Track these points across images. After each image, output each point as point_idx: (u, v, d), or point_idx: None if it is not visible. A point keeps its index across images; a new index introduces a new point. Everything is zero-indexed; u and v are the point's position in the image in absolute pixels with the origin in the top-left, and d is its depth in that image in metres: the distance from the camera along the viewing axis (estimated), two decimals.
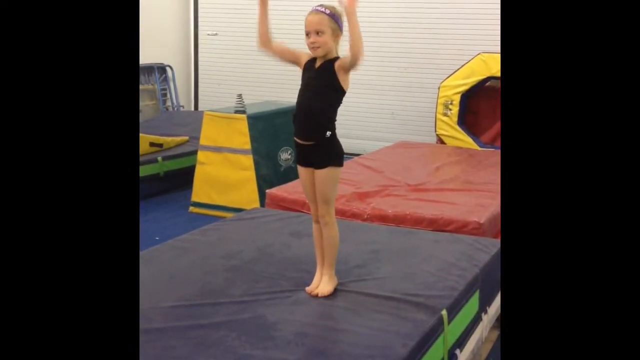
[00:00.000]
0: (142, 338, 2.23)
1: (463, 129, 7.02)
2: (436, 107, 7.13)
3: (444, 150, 6.70)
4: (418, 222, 4.14)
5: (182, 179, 6.44)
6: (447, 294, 2.90)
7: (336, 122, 2.87)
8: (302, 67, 2.92)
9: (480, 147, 6.83)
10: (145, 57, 8.34)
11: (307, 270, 3.07)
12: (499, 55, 5.91)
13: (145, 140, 6.42)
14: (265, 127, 5.83)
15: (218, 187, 5.76)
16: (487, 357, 3.42)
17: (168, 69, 9.09)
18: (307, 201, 3.08)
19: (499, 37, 1.82)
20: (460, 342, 2.95)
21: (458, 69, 7.06)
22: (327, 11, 2.79)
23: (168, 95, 9.12)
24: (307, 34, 2.80)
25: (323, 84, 2.81)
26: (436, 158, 6.22)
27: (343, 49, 2.82)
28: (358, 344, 2.45)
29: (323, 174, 2.85)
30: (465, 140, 6.94)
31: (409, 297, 2.84)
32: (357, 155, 6.52)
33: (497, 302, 3.52)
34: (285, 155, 5.94)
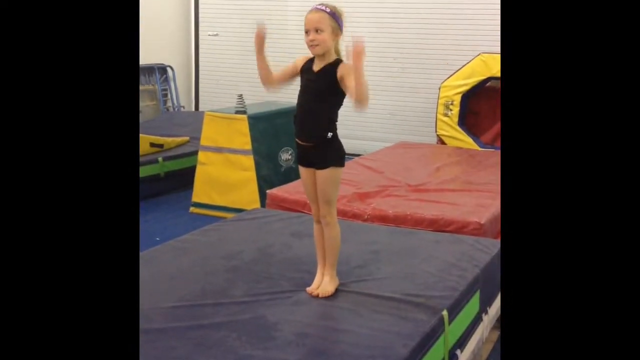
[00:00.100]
0: (142, 338, 2.23)
1: (463, 129, 7.02)
2: (437, 108, 7.12)
3: (445, 150, 6.69)
4: (418, 223, 4.13)
5: (183, 179, 6.44)
6: (448, 295, 2.90)
7: (337, 123, 2.86)
8: (300, 70, 2.91)
9: (481, 147, 6.83)
10: (146, 57, 8.34)
11: (308, 271, 3.07)
12: (500, 55, 5.90)
13: (145, 140, 6.42)
14: (266, 128, 5.83)
15: (219, 187, 5.76)
16: (488, 358, 3.42)
17: (169, 69, 9.09)
18: (308, 201, 3.08)
19: (499, 38, 1.82)
20: (461, 343, 2.95)
21: (458, 70, 7.06)
22: (328, 9, 2.78)
23: (169, 96, 9.12)
24: (307, 32, 2.79)
25: (323, 87, 2.80)
26: (436, 158, 6.22)
27: (343, 48, 2.82)
28: (359, 345, 2.45)
29: (324, 175, 2.84)
30: (466, 141, 6.94)
31: (409, 298, 2.83)
32: (358, 155, 6.52)
33: (497, 302, 3.52)
34: (286, 156, 5.94)
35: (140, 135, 6.04)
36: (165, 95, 9.08)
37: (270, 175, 5.76)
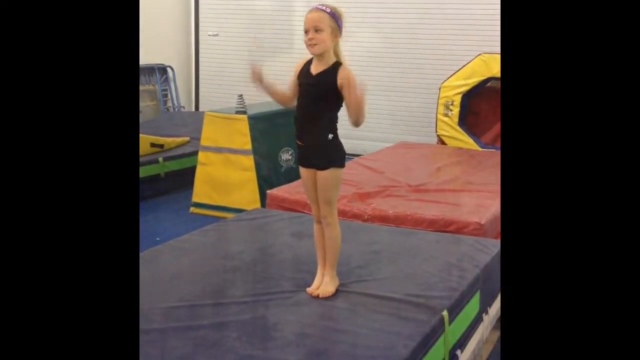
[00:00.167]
0: (142, 338, 2.23)
1: (464, 129, 7.02)
2: (437, 108, 7.12)
3: (445, 150, 6.69)
4: (419, 223, 4.13)
5: (183, 179, 6.45)
6: (448, 295, 2.90)
7: (337, 124, 2.86)
8: (298, 75, 2.89)
9: (481, 147, 6.83)
10: (146, 57, 8.35)
11: (308, 271, 3.07)
12: (500, 55, 5.91)
13: (146, 140, 6.42)
14: (266, 128, 5.83)
15: (219, 187, 5.75)
16: (488, 358, 3.42)
17: (169, 69, 9.10)
18: (308, 202, 3.08)
19: (499, 38, 1.82)
20: (461, 343, 2.95)
21: (459, 70, 7.05)
22: (328, 10, 2.78)
23: (169, 96, 9.12)
24: (306, 31, 2.78)
25: (322, 92, 2.79)
26: (437, 159, 6.22)
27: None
28: (359, 345, 2.45)
29: (325, 175, 2.84)
30: (466, 141, 6.94)
31: (409, 298, 2.83)
32: (358, 155, 6.52)
33: (498, 302, 3.52)
34: (286, 156, 5.94)
35: (141, 135, 6.04)
36: (166, 95, 9.08)
37: (270, 175, 5.76)
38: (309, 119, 2.83)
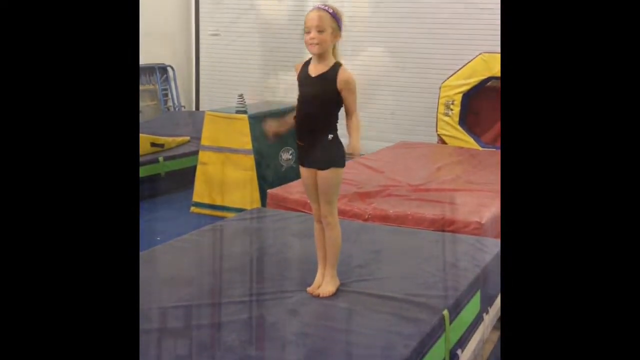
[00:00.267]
0: (142, 338, 2.23)
1: (464, 129, 7.01)
2: (437, 107, 7.12)
3: (445, 150, 6.69)
4: (419, 223, 4.13)
5: (184, 179, 6.45)
6: (449, 294, 2.90)
7: (337, 124, 2.86)
8: (298, 76, 2.89)
9: (482, 147, 6.82)
10: (146, 57, 8.35)
11: (308, 271, 3.07)
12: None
13: (146, 140, 6.42)
14: None
15: (219, 187, 5.76)
16: (489, 358, 3.42)
17: (169, 69, 9.09)
18: (308, 201, 3.08)
19: (499, 37, 1.82)
20: (462, 343, 2.95)
21: (459, 69, 7.05)
22: (330, 10, 2.77)
23: (169, 96, 9.12)
24: (308, 31, 2.77)
25: (322, 93, 2.78)
26: (437, 158, 6.22)
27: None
28: (359, 345, 2.45)
29: (325, 175, 2.84)
30: (467, 140, 6.94)
31: (410, 297, 2.83)
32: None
33: (498, 302, 3.51)
34: (287, 155, 5.94)
35: (141, 135, 6.04)
36: (166, 95, 9.08)
37: (270, 175, 5.76)
38: (308, 119, 2.83)
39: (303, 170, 2.93)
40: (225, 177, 5.73)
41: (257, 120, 5.74)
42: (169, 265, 3.22)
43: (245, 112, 5.76)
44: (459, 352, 2.88)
